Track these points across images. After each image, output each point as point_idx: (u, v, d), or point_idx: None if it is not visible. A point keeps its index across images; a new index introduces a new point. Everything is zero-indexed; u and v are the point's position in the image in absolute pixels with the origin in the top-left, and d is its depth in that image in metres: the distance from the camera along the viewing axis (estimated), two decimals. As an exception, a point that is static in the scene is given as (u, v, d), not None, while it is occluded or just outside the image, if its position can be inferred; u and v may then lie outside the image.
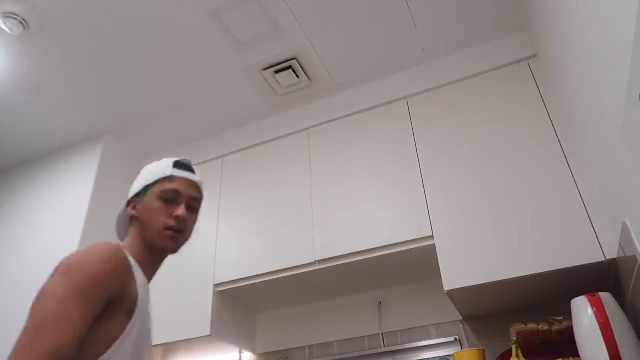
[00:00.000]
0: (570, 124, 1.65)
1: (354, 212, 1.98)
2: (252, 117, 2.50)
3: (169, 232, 1.06)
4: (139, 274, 1.00)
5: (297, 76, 2.24)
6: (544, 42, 1.79)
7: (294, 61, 2.18)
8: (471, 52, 2.15)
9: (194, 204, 1.13)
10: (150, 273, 1.08)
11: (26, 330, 0.80)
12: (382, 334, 2.05)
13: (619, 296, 1.44)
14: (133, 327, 0.93)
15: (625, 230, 1.26)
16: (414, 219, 1.84)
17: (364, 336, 2.09)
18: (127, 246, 1.07)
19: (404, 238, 1.82)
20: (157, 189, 1.10)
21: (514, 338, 1.56)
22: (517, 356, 1.54)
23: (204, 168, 2.53)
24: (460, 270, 1.66)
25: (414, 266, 1.97)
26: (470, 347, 1.86)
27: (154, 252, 1.08)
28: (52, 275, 0.91)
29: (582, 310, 1.37)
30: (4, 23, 1.89)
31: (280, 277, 2.01)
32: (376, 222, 1.91)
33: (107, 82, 2.27)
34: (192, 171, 1.17)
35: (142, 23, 1.99)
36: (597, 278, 1.56)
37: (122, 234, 1.18)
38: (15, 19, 1.88)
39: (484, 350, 1.68)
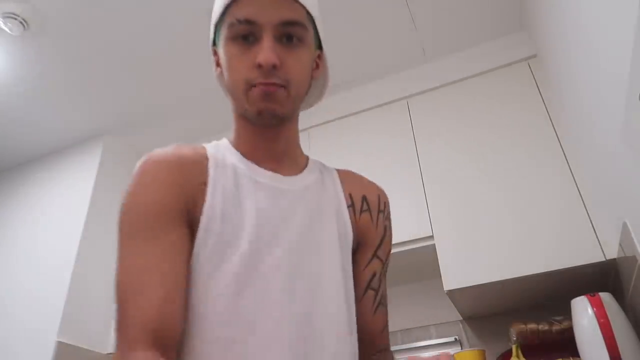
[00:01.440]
0: (570, 123, 1.65)
1: (354, 212, 1.97)
2: (252, 117, 2.49)
3: (256, 91, 0.66)
4: (226, 167, 0.70)
5: (297, 76, 2.24)
6: (544, 42, 1.79)
7: (294, 61, 2.18)
8: (471, 52, 2.15)
9: (290, 32, 0.68)
10: (264, 157, 0.74)
11: None
12: (382, 334, 2.05)
13: (619, 296, 1.44)
14: (204, 243, 0.64)
15: (625, 230, 1.26)
16: (414, 219, 1.84)
17: (364, 336, 2.09)
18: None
19: (403, 238, 1.82)
20: (225, 26, 0.72)
21: (514, 338, 1.56)
22: (517, 356, 1.54)
23: (204, 168, 2.53)
24: (460, 270, 1.66)
25: (413, 266, 1.96)
26: (470, 347, 1.86)
27: (256, 127, 0.73)
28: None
29: (582, 310, 1.37)
30: (4, 23, 1.89)
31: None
32: (376, 222, 1.91)
33: (107, 82, 2.27)
34: None
35: (142, 23, 1.99)
36: (597, 278, 1.56)
37: None
38: (15, 19, 1.88)
39: (484, 350, 1.68)
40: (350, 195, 0.80)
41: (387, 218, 0.84)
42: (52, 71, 2.19)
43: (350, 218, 0.77)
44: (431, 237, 1.77)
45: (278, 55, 0.66)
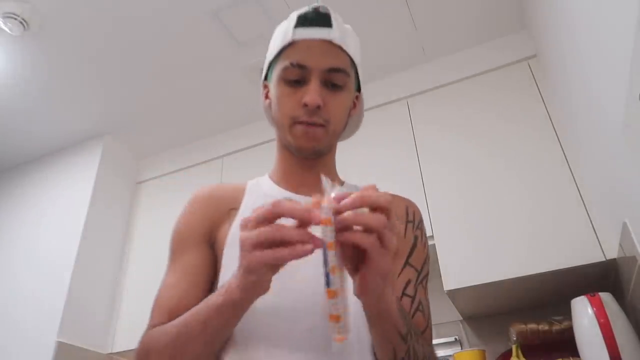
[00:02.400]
0: (570, 123, 1.65)
1: (354, 212, 1.97)
2: (252, 117, 2.49)
3: (299, 127, 0.76)
4: (258, 195, 0.82)
5: (297, 76, 2.24)
6: (544, 42, 1.79)
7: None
8: (471, 52, 2.14)
9: (335, 78, 0.77)
10: (299, 184, 0.82)
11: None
12: (382, 334, 2.05)
13: (619, 296, 1.44)
14: (226, 267, 0.74)
15: (625, 230, 1.26)
16: (414, 219, 1.83)
17: (364, 336, 2.09)
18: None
19: (404, 238, 1.82)
20: (279, 66, 0.79)
21: (514, 338, 1.56)
22: (517, 356, 1.54)
23: (204, 168, 2.53)
24: (460, 270, 1.66)
25: (414, 266, 1.96)
26: (470, 347, 1.86)
27: (295, 156, 0.82)
28: None
29: (582, 310, 1.37)
30: (4, 23, 1.89)
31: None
32: (376, 222, 1.90)
33: (107, 82, 2.27)
34: (326, 24, 0.78)
35: (142, 23, 1.99)
36: (597, 278, 1.56)
37: None
38: (15, 19, 1.88)
39: (484, 350, 1.68)
40: None
41: (419, 228, 0.87)
42: (52, 71, 2.19)
43: None
44: (431, 237, 1.77)
45: (322, 97, 0.75)
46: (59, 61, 2.14)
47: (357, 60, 0.82)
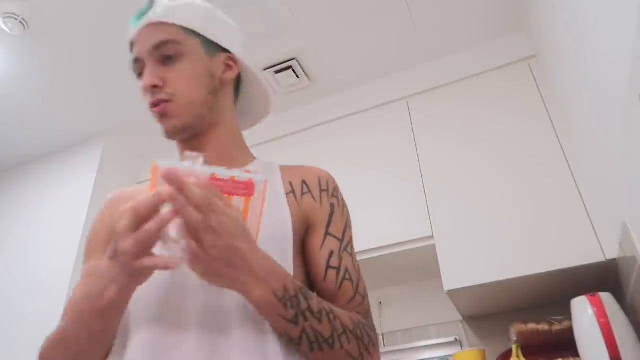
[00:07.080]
0: (570, 123, 1.65)
1: (353, 212, 1.96)
2: (252, 117, 2.49)
3: (153, 112, 0.81)
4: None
5: (297, 76, 2.24)
6: (543, 42, 1.79)
7: (294, 61, 2.18)
8: (471, 52, 2.15)
9: (164, 51, 0.78)
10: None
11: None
12: (382, 334, 2.05)
13: (619, 296, 1.44)
14: None
15: (625, 230, 1.26)
16: (414, 219, 1.84)
17: (364, 336, 2.08)
18: None
19: (404, 238, 1.82)
20: None
21: (514, 338, 1.56)
22: (517, 356, 1.54)
23: (204, 168, 2.53)
24: (460, 270, 1.66)
25: (414, 266, 1.96)
26: (470, 347, 1.86)
27: (179, 143, 0.87)
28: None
29: (582, 310, 1.37)
30: (4, 23, 1.89)
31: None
32: (376, 222, 1.91)
33: (107, 82, 2.26)
34: (148, 8, 0.80)
35: (142, 23, 1.99)
36: (597, 278, 1.56)
37: None
38: (15, 19, 1.88)
39: (484, 350, 1.68)
40: (290, 183, 0.84)
41: (334, 196, 0.87)
42: (52, 71, 2.19)
43: (291, 204, 0.80)
44: (431, 237, 1.77)
45: (159, 76, 0.77)
46: (59, 61, 2.14)
47: (195, 25, 0.81)
